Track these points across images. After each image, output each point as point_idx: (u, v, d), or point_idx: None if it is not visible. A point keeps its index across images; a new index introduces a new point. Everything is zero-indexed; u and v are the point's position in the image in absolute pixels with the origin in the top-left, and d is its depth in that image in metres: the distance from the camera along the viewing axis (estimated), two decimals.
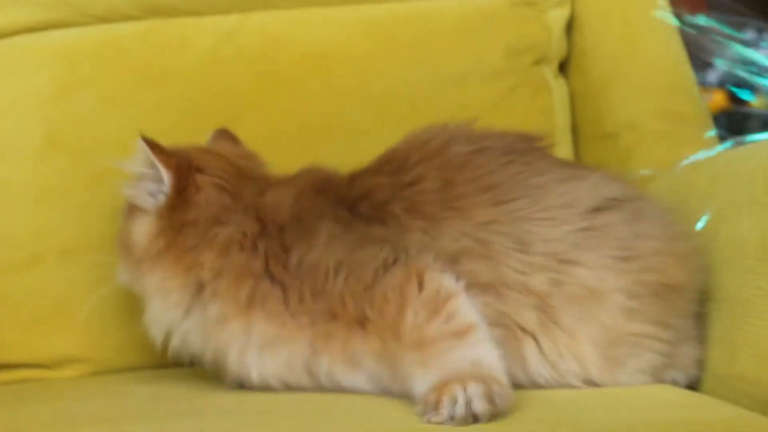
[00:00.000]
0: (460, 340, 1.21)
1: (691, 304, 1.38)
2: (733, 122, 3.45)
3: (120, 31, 1.70)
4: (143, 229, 1.39)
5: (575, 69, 1.80)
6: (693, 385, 1.38)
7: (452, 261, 1.30)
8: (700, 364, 1.38)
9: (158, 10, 1.71)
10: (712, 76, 3.86)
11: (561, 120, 1.76)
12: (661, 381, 1.36)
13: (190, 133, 1.60)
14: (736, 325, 1.33)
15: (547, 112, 1.76)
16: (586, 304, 1.31)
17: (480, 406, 1.13)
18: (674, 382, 1.37)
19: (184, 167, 1.39)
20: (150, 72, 1.68)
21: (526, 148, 1.42)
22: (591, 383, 1.32)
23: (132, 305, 1.61)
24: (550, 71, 1.77)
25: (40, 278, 1.62)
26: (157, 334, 1.42)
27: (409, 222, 1.34)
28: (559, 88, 1.78)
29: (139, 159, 1.39)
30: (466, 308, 1.24)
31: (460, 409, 1.12)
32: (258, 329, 1.34)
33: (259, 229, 1.37)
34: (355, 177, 1.41)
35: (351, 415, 1.22)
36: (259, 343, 1.34)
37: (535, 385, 1.32)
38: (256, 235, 1.36)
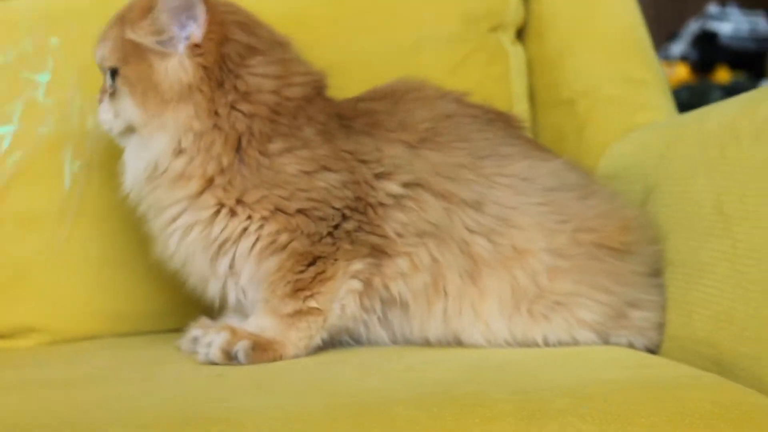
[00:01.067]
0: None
1: (640, 271, 1.40)
2: (695, 95, 3.49)
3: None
4: (174, 68, 1.38)
5: (532, 35, 1.80)
6: (655, 351, 1.40)
7: (416, 185, 1.36)
8: (661, 328, 1.40)
9: None
10: (675, 50, 3.89)
11: (518, 86, 1.76)
12: (609, 341, 1.38)
13: None
14: (691, 288, 1.35)
15: (503, 78, 1.76)
16: (509, 264, 1.36)
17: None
18: (630, 345, 1.38)
19: (210, 3, 1.39)
20: None
21: (504, 124, 1.48)
22: (502, 339, 1.37)
23: (90, 274, 1.61)
24: (507, 38, 1.77)
25: None
26: (136, 172, 1.41)
27: (396, 135, 1.39)
28: (516, 54, 1.78)
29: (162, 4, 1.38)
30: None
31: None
32: (204, 206, 1.37)
33: (272, 97, 1.39)
34: (359, 99, 1.47)
35: (303, 376, 1.23)
36: (196, 219, 1.37)
37: (427, 342, 1.39)
38: (266, 102, 1.39)
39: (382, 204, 1.36)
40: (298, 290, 1.34)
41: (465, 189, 1.37)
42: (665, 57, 3.80)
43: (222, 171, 1.36)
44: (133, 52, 1.40)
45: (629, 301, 1.39)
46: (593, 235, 1.38)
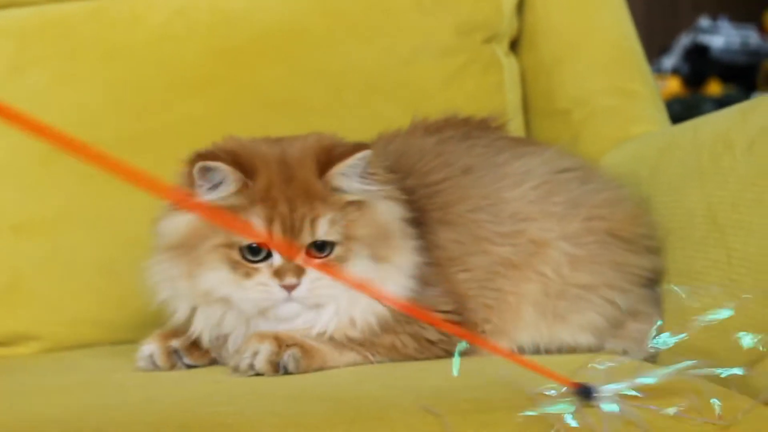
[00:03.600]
0: None
1: (644, 269, 1.41)
2: (687, 108, 3.49)
3: (70, 10, 1.70)
4: None
5: (527, 46, 1.81)
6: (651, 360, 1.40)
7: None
8: None
9: None
10: (667, 63, 3.90)
11: (512, 97, 1.77)
12: (605, 347, 1.39)
13: (142, 110, 1.61)
14: (686, 297, 1.35)
15: (498, 89, 1.76)
16: (533, 259, 1.36)
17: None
18: (624, 353, 1.38)
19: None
20: (101, 49, 1.67)
21: (482, 132, 1.48)
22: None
23: (86, 283, 1.62)
24: (501, 49, 1.78)
25: None
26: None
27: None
28: (510, 65, 1.79)
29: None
30: None
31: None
32: None
33: None
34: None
35: (301, 382, 1.23)
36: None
37: None
38: None
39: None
40: None
41: (493, 224, 1.37)
42: (657, 70, 3.81)
43: None
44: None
45: (633, 309, 1.40)
46: (604, 223, 1.39)
